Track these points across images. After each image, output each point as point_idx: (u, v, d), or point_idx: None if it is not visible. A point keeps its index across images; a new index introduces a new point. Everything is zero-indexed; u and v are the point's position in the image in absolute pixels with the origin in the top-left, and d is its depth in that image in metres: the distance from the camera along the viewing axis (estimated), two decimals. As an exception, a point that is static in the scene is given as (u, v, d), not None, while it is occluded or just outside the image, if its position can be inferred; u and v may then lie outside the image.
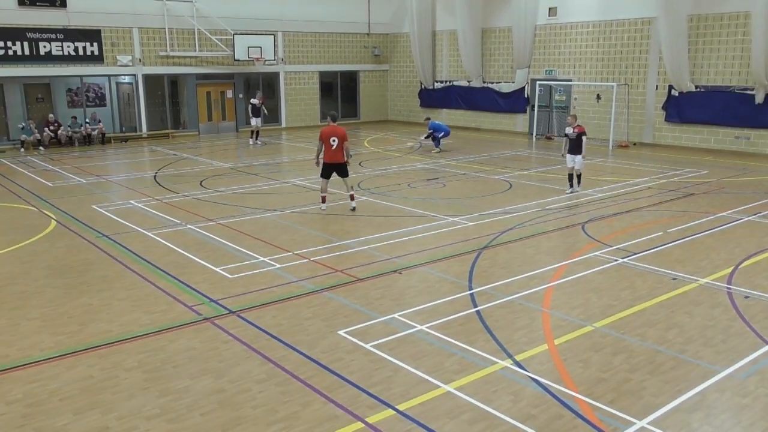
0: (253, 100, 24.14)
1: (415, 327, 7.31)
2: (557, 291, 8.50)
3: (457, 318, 7.59)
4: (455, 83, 29.33)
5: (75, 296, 8.39)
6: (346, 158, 12.85)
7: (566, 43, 24.83)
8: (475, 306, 7.95)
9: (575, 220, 12.21)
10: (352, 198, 13.15)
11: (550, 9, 25.06)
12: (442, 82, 30.10)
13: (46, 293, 8.55)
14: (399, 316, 7.63)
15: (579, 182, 14.71)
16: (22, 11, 22.77)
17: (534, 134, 25.10)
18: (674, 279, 8.87)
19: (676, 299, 8.16)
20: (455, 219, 12.29)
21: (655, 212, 12.83)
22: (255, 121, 23.79)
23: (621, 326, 7.33)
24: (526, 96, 26.42)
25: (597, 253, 10.09)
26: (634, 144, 22.88)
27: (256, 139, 23.96)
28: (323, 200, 13.11)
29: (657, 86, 22.35)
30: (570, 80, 24.60)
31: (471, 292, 8.42)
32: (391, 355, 6.60)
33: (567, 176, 14.79)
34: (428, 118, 23.13)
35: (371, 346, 6.83)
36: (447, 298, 8.22)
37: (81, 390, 6.02)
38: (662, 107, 22.37)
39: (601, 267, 9.43)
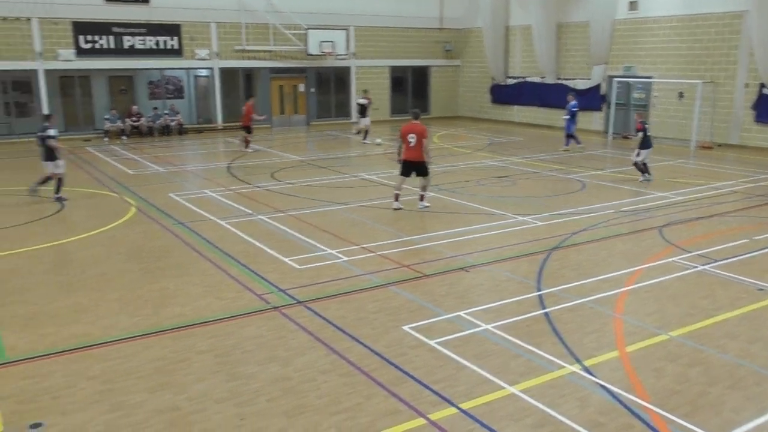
0: (359, 100, 23.37)
1: (481, 326, 7.23)
2: (631, 296, 8.21)
3: (525, 319, 7.45)
4: (528, 79, 28.79)
5: (151, 280, 8.73)
6: (426, 157, 12.42)
7: (647, 38, 23.92)
8: (544, 308, 7.78)
9: (652, 223, 11.77)
10: (421, 198, 12.86)
11: (630, 3, 24.20)
12: (514, 78, 29.60)
13: (125, 276, 8.93)
14: (464, 314, 7.56)
15: (646, 171, 15.57)
16: (108, 7, 23.84)
17: (610, 133, 24.32)
18: (760, 290, 8.39)
19: (762, 311, 7.72)
20: (524, 218, 12.06)
21: (740, 218, 12.20)
22: (364, 121, 22.97)
23: (699, 337, 7.01)
24: (602, 93, 25.64)
25: (675, 258, 9.68)
26: (719, 145, 21.83)
27: (365, 138, 22.85)
28: (396, 198, 12.71)
29: (747, 84, 21.20)
30: (650, 77, 23.70)
31: (539, 293, 8.25)
32: (455, 353, 6.54)
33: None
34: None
35: (435, 342, 6.80)
36: (514, 298, 8.08)
37: (155, 370, 6.26)
38: (752, 107, 21.23)
39: (680, 273, 9.04)
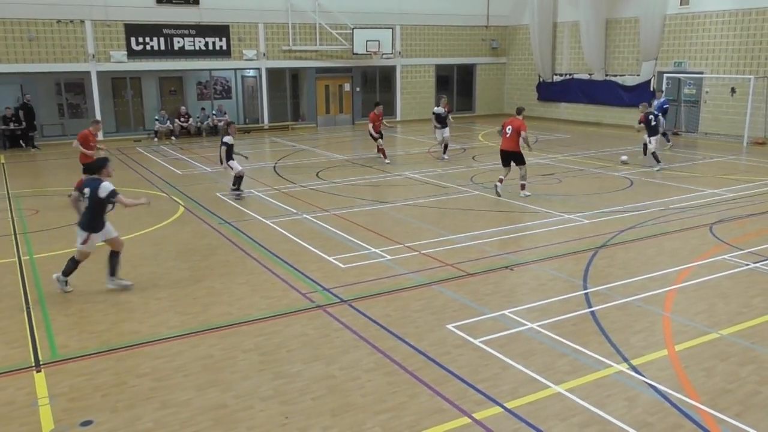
0: (436, 109, 19.03)
1: (526, 325, 7.14)
2: (680, 294, 7.99)
3: (570, 318, 7.33)
4: (576, 76, 28.31)
5: (199, 279, 8.91)
6: (525, 147, 13.64)
7: (699, 33, 23.23)
8: (590, 306, 7.64)
9: (702, 220, 11.42)
10: (522, 187, 13.62)
11: (681, -3, 23.54)
12: (561, 75, 29.14)
13: (173, 274, 9.14)
14: (509, 312, 7.48)
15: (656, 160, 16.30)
16: (159, 9, 24.42)
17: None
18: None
19: (819, 311, 7.42)
20: (571, 216, 11.86)
21: (797, 215, 11.74)
22: (440, 133, 18.77)
23: (751, 335, 6.78)
24: (652, 89, 24.99)
25: (726, 256, 9.38)
26: (773, 141, 21.06)
27: (444, 152, 18.89)
28: (500, 181, 13.69)
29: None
30: (702, 72, 23.01)
31: (586, 291, 8.10)
32: (500, 352, 6.48)
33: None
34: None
35: (480, 341, 6.75)
36: (560, 297, 7.96)
37: (202, 368, 6.38)
38: (807, 101, 20.41)
39: (730, 271, 8.76)
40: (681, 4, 23.64)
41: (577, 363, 6.25)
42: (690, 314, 7.37)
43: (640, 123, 16.66)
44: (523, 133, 13.44)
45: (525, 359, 6.33)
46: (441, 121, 18.62)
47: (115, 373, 6.28)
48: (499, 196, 13.47)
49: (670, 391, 5.67)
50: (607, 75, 26.90)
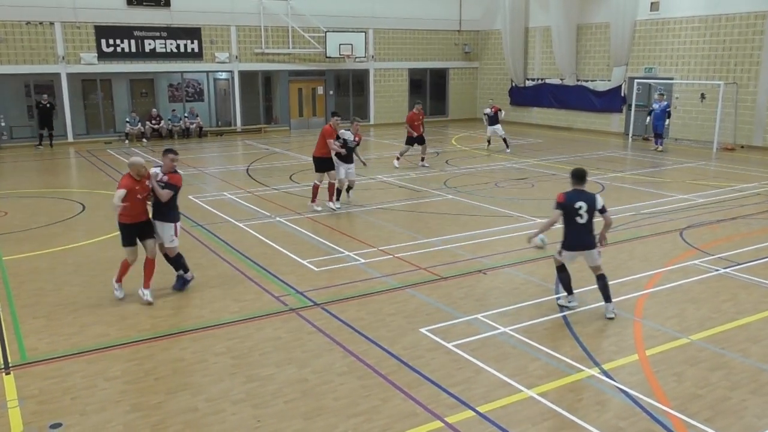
0: (486, 110, 21.28)
1: (499, 329, 7.19)
2: (651, 300, 8.12)
3: (543, 322, 7.40)
4: (547, 81, 28.62)
5: (172, 281, 8.77)
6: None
7: (668, 39, 23.66)
8: (562, 311, 7.72)
9: (673, 225, 11.62)
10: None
11: (651, 3, 23.93)
12: (533, 80, 29.46)
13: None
14: (482, 316, 7.52)
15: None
16: (129, 11, 24.09)
17: (630, 135, 24.10)
18: (782, 292, 8.26)
19: (784, 314, 7.60)
20: (543, 220, 11.95)
21: (764, 220, 12.01)
22: (492, 129, 20.98)
23: (721, 341, 6.90)
24: (622, 95, 25.41)
25: (696, 261, 9.55)
26: (741, 147, 21.50)
27: (507, 146, 20.77)
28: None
29: (770, 85, 20.89)
30: (672, 78, 23.43)
31: (558, 296, 8.17)
32: (472, 356, 6.51)
33: None
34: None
35: (453, 345, 6.77)
36: (532, 301, 8.03)
37: (173, 371, 6.30)
38: (775, 108, 20.90)
39: (701, 276, 8.92)
40: (651, 10, 24.03)
41: (549, 367, 6.30)
42: (661, 319, 7.48)
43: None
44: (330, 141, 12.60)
45: (497, 363, 6.37)
46: (492, 121, 20.84)
47: (85, 376, 6.19)
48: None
49: (641, 396, 5.74)
50: (578, 80, 27.27)
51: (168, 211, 8.22)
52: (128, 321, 7.50)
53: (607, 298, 7.47)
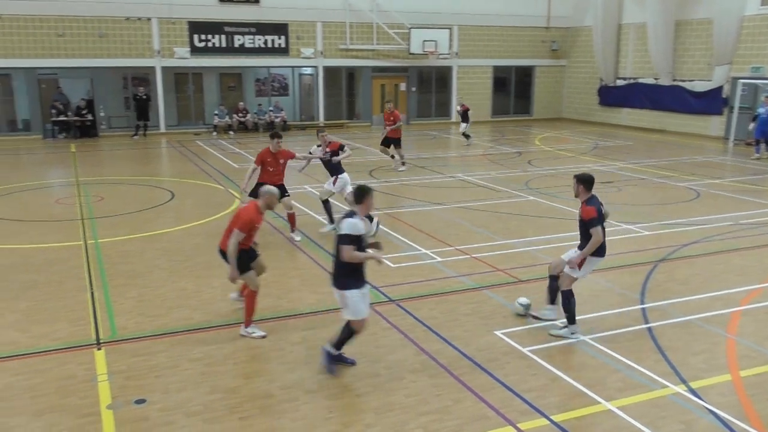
0: (457, 108, 22.03)
1: (577, 337, 6.95)
2: (747, 316, 7.62)
3: (625, 333, 7.10)
4: (640, 80, 27.44)
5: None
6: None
7: (780, 36, 22.02)
8: (647, 322, 7.38)
9: (771, 237, 10.91)
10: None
11: (762, -2, 22.36)
12: (625, 79, 28.34)
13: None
14: (560, 323, 7.29)
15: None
16: (221, 7, 24.95)
17: (731, 139, 22.68)
18: None
19: None
20: (629, 226, 11.52)
21: None
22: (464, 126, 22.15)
23: (823, 363, 6.41)
24: (724, 96, 23.94)
25: (797, 276, 8.92)
26: None
27: (467, 140, 22.09)
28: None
29: None
30: (781, 79, 21.84)
31: (643, 306, 7.83)
32: (548, 363, 6.34)
33: None
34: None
35: (528, 350, 6.61)
36: (614, 310, 7.73)
37: (251, 357, 6.47)
38: None
39: (801, 292, 8.32)
40: (762, 4, 22.35)
41: (630, 380, 6.04)
42: (758, 338, 6.99)
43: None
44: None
45: (575, 372, 6.17)
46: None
47: (169, 356, 6.46)
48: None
49: (732, 419, 5.39)
50: (674, 80, 25.96)
51: None
52: (211, 306, 7.76)
53: (553, 301, 7.22)
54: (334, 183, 11.41)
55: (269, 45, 25.94)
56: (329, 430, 5.24)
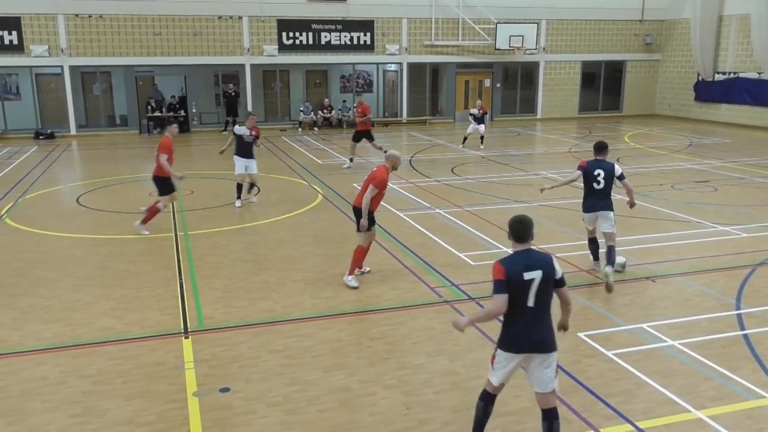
0: (473, 110, 20.39)
1: (666, 341, 6.65)
2: None
3: (719, 339, 6.73)
4: (741, 75, 25.89)
5: (332, 265, 9.17)
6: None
7: None
8: (743, 329, 6.97)
9: None
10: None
11: None
12: (724, 73, 26.82)
13: (308, 259, 9.49)
14: (648, 326, 7.01)
15: None
16: (309, 5, 25.44)
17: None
18: None
19: None
20: (726, 228, 10.90)
21: None
22: (474, 127, 20.16)
23: None
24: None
25: None
26: None
27: (482, 143, 20.07)
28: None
29: None
30: None
31: (739, 312, 7.40)
32: (635, 367, 6.09)
33: None
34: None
35: (613, 354, 6.38)
36: (707, 315, 7.34)
37: (331, 350, 6.57)
38: None
39: None
40: None
41: (723, 389, 5.72)
42: None
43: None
44: None
45: (663, 378, 5.90)
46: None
47: (251, 347, 6.65)
48: None
49: (836, 433, 5.03)
50: (779, 75, 24.36)
51: None
52: (292, 299, 7.94)
53: (611, 263, 8.00)
54: (245, 164, 12.35)
55: (355, 42, 26.23)
56: (405, 426, 5.24)
